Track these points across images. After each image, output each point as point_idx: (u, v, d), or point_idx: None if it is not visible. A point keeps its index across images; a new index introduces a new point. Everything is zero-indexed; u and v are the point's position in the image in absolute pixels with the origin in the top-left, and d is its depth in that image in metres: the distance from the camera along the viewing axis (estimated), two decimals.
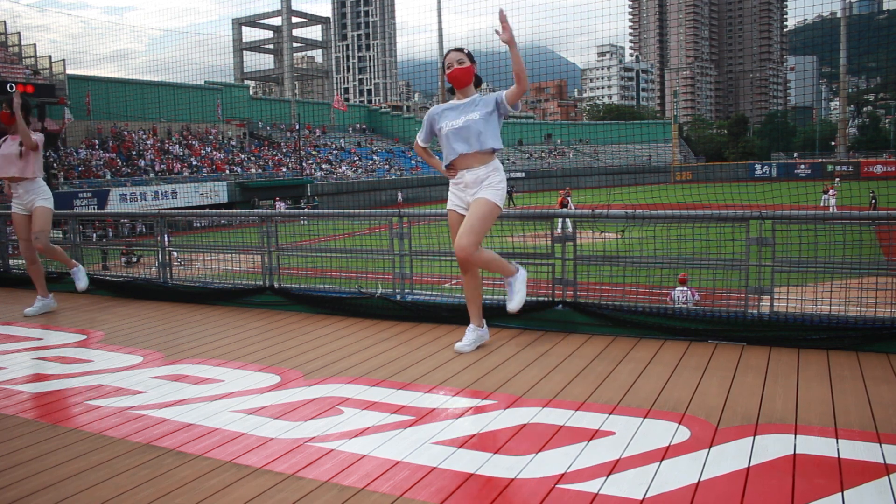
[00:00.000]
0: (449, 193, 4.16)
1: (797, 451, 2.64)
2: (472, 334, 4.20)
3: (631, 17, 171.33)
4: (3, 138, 5.74)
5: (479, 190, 3.99)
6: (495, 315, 4.70)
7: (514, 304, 4.17)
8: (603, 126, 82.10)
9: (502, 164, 4.14)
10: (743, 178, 53.77)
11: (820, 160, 62.07)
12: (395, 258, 5.27)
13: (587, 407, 3.18)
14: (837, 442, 2.71)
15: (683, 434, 2.83)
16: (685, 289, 9.99)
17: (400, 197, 44.72)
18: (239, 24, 78.80)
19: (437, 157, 4.31)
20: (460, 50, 4.05)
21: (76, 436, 3.06)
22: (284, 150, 53.70)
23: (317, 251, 6.26)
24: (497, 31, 3.84)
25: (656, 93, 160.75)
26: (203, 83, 54.46)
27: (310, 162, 52.67)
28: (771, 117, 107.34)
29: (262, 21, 78.12)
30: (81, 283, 6.15)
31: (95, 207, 32.44)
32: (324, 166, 53.90)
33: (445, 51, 4.17)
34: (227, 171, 44.45)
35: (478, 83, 4.13)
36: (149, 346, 4.60)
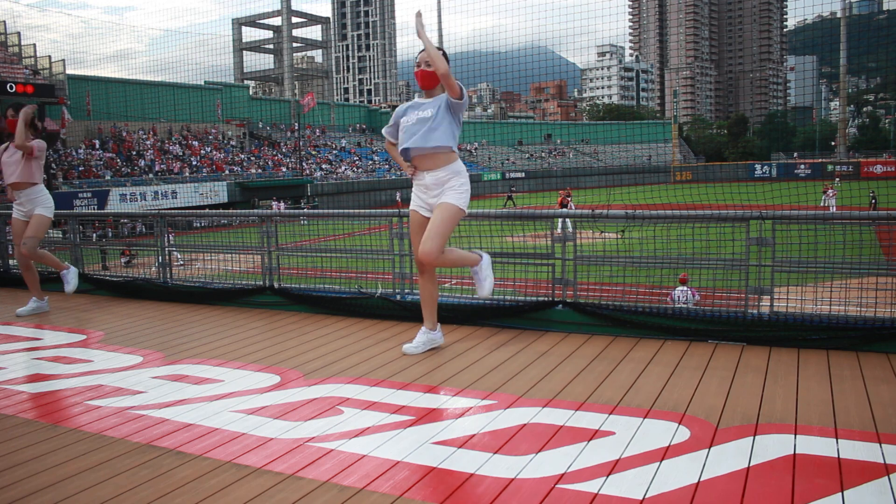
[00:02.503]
0: (412, 194, 4.14)
1: (797, 451, 2.64)
2: (424, 336, 4.16)
3: (631, 17, 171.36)
4: (4, 145, 5.77)
5: (441, 194, 3.97)
6: (494, 315, 4.70)
7: (486, 290, 4.23)
8: (603, 126, 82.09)
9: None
10: (743, 178, 53.79)
11: (820, 160, 62.09)
12: (395, 258, 5.27)
13: (587, 407, 3.18)
14: (837, 442, 2.71)
15: (683, 434, 2.83)
16: (685, 289, 9.99)
17: (398, 197, 44.74)
18: (239, 24, 78.77)
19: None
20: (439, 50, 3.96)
21: (76, 436, 3.06)
22: (284, 151, 53.70)
23: (317, 251, 6.26)
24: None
25: (656, 93, 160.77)
26: (203, 83, 54.47)
27: (310, 162, 52.68)
28: (771, 117, 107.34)
29: (262, 21, 78.09)
30: (70, 285, 6.06)
31: (95, 207, 32.43)
32: (324, 166, 53.90)
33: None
34: (227, 172, 44.45)
35: None
36: (149, 346, 4.60)
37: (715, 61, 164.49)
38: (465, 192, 4.01)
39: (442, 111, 3.93)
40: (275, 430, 3.03)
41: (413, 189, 4.12)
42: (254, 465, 2.69)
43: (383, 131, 4.27)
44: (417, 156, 3.99)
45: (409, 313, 5.00)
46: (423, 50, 3.98)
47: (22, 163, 5.63)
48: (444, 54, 3.97)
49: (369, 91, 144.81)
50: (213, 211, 20.93)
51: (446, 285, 6.04)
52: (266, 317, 5.39)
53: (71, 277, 6.08)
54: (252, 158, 49.61)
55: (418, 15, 3.99)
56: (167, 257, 6.56)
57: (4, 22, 38.44)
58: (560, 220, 5.09)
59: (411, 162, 4.05)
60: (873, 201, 26.20)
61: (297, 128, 53.70)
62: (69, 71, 40.47)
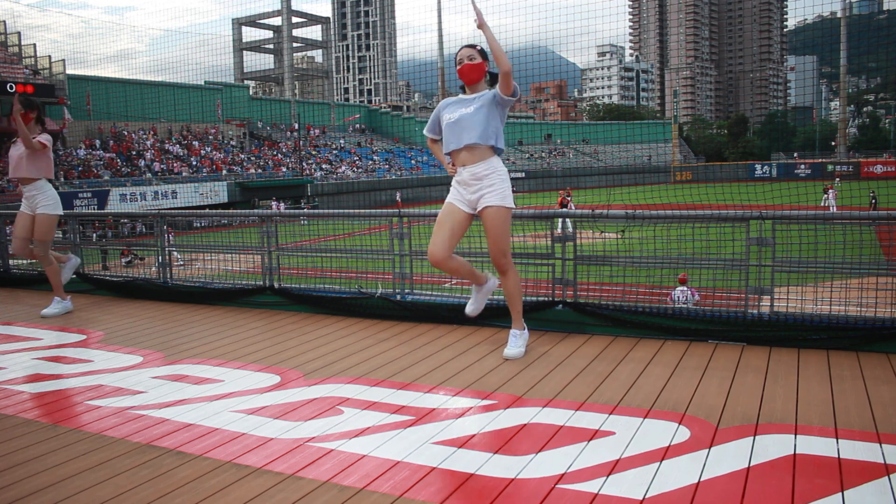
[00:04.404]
0: (451, 187, 4.09)
1: (797, 451, 2.64)
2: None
3: (631, 17, 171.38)
4: (13, 139, 5.78)
5: (481, 192, 3.92)
6: (493, 315, 4.70)
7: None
8: (603, 126, 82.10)
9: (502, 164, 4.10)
10: (743, 178, 53.80)
11: (820, 160, 62.09)
12: (395, 258, 5.27)
13: (587, 407, 3.18)
14: (837, 442, 2.71)
15: (683, 434, 2.83)
16: (685, 289, 9.99)
17: (398, 197, 44.73)
18: (239, 24, 78.81)
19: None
20: (472, 46, 4.00)
21: (76, 436, 3.06)
22: (284, 151, 53.68)
23: (317, 251, 6.26)
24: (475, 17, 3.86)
25: (656, 93, 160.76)
26: (203, 83, 54.49)
27: (310, 162, 52.67)
28: (771, 117, 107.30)
29: (262, 21, 78.13)
30: (51, 310, 5.71)
31: (95, 207, 32.45)
32: (324, 166, 53.89)
33: (458, 47, 4.12)
34: (227, 172, 44.43)
35: (494, 81, 4.01)
36: (149, 346, 4.60)
37: (715, 61, 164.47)
38: (505, 188, 3.95)
39: (488, 106, 3.89)
40: (275, 430, 3.03)
41: (452, 183, 4.07)
42: (254, 465, 2.69)
43: (425, 131, 4.21)
44: (455, 151, 3.96)
45: (409, 313, 5.00)
46: (464, 46, 3.98)
47: (25, 156, 5.62)
48: (483, 52, 3.99)
49: (369, 91, 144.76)
50: (213, 211, 20.95)
51: (446, 285, 6.04)
52: (266, 317, 5.39)
53: (57, 307, 5.75)
54: (252, 158, 49.59)
55: (474, 3, 3.93)
56: (167, 257, 6.56)
57: (4, 22, 38.50)
58: (560, 220, 5.08)
59: (452, 159, 4.02)
60: (873, 201, 26.19)
61: (297, 128, 53.68)
62: (69, 71, 40.53)
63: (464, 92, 4.07)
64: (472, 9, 3.97)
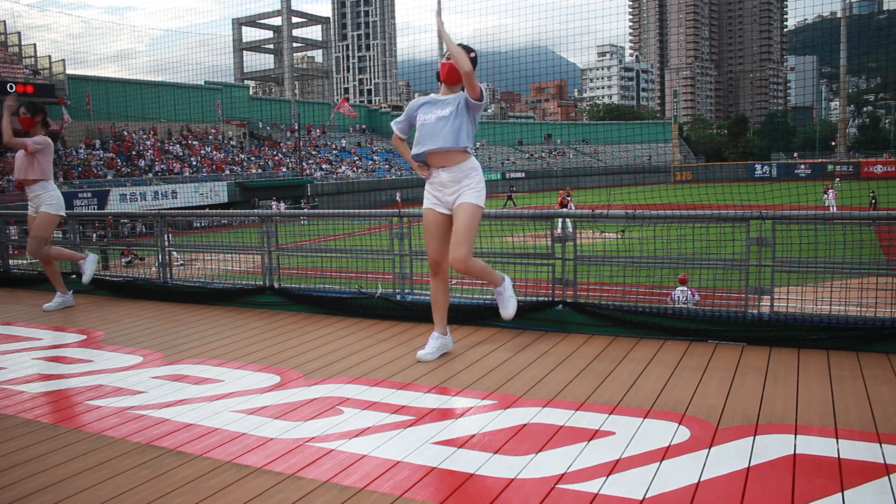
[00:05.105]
0: (425, 192, 4.06)
1: (797, 451, 2.64)
2: (437, 341, 4.08)
3: (631, 17, 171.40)
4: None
5: (459, 192, 3.91)
6: (493, 315, 4.70)
7: (510, 310, 4.18)
8: (603, 126, 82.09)
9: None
10: (743, 178, 53.81)
11: (820, 160, 62.10)
12: (395, 258, 5.27)
13: (587, 407, 3.18)
14: (837, 442, 2.71)
15: (683, 434, 2.83)
16: (685, 289, 9.99)
17: (398, 197, 44.75)
18: (239, 24, 78.75)
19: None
20: (469, 51, 3.90)
21: (76, 436, 3.06)
22: (284, 151, 53.69)
23: (317, 251, 6.26)
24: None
25: (656, 93, 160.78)
26: (203, 83, 54.48)
27: (310, 162, 52.67)
28: (771, 117, 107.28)
29: (262, 21, 78.07)
30: (86, 275, 6.04)
31: (95, 207, 32.45)
32: (324, 166, 53.89)
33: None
34: (227, 172, 44.44)
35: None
36: (149, 346, 4.60)
37: (715, 61, 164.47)
38: (482, 188, 3.96)
39: (461, 109, 3.87)
40: (275, 430, 3.03)
41: (426, 187, 4.04)
42: (254, 465, 2.69)
43: (393, 124, 4.15)
44: (433, 153, 3.92)
45: (409, 313, 5.00)
46: (459, 44, 3.90)
47: (25, 159, 5.67)
48: (475, 60, 3.91)
49: (369, 91, 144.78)
50: (213, 211, 20.93)
51: None
52: (266, 317, 5.39)
53: (88, 266, 6.05)
54: (252, 158, 49.59)
55: (438, 14, 3.97)
56: (167, 257, 6.56)
57: (4, 22, 38.52)
58: (560, 220, 5.09)
59: (425, 160, 3.98)
60: (873, 201, 26.20)
61: (297, 128, 53.68)
62: (69, 71, 40.53)
63: (437, 91, 4.04)
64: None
